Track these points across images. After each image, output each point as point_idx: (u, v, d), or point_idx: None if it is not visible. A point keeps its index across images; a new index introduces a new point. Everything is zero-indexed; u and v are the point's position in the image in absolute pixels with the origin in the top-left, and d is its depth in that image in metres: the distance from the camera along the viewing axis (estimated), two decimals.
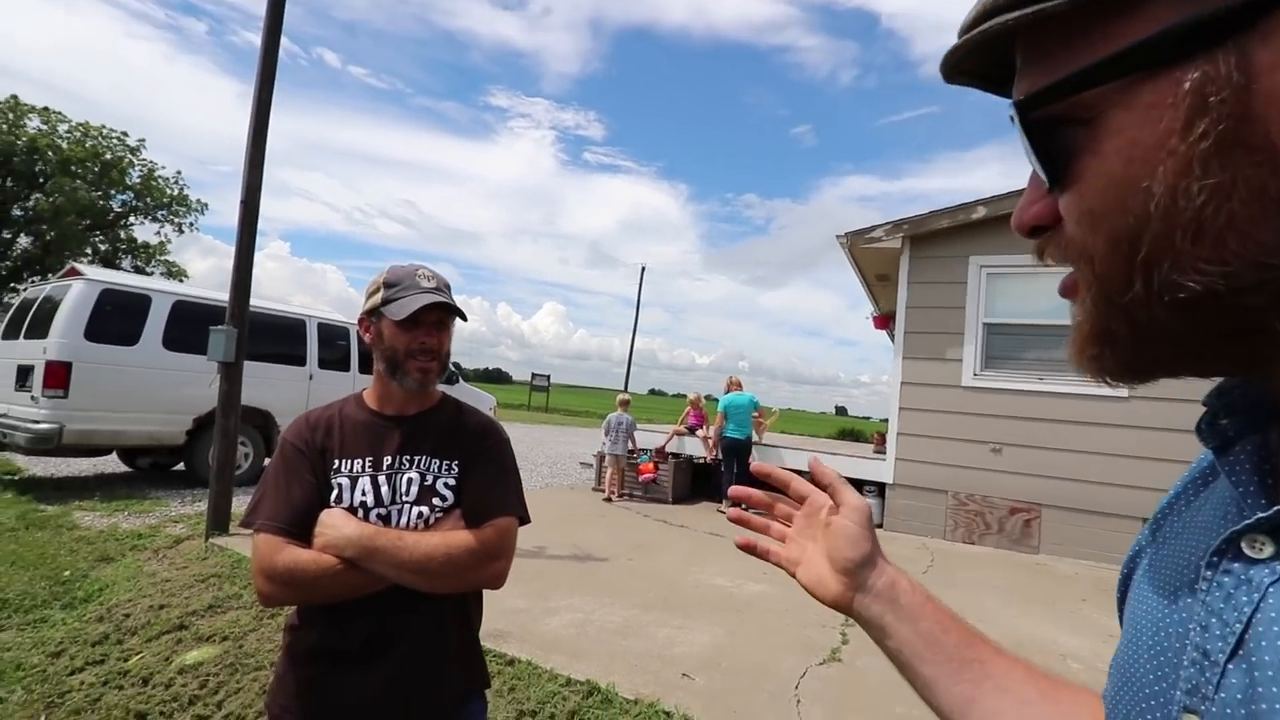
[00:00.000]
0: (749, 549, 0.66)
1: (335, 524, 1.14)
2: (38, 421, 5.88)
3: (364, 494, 1.19)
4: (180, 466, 7.23)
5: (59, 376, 5.90)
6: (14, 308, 7.24)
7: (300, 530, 1.14)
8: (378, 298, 1.26)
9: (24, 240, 27.94)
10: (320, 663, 1.18)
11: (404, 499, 1.21)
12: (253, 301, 5.22)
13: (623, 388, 27.29)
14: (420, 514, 1.20)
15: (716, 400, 8.85)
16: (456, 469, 1.25)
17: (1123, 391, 5.94)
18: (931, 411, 6.76)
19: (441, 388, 1.38)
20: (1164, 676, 0.34)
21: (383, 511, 1.19)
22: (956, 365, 6.66)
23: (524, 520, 1.27)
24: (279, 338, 7.52)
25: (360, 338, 7.40)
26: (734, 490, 0.65)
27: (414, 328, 1.22)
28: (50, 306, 6.35)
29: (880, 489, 7.10)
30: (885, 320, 9.18)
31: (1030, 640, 3.81)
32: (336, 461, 1.21)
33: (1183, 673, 0.33)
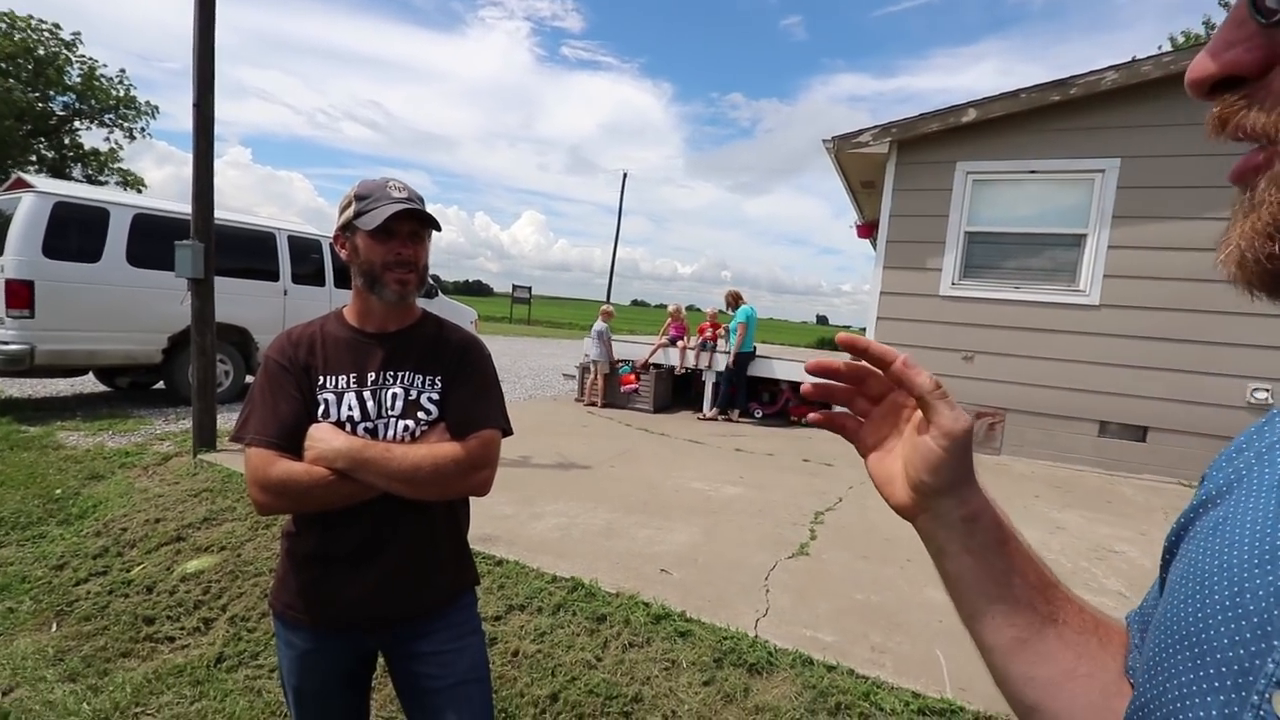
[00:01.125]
0: (823, 424, 0.58)
1: (325, 437, 1.18)
2: (7, 343, 5.76)
3: (350, 409, 1.23)
4: (160, 385, 7.21)
5: (21, 296, 5.72)
6: None
7: (290, 444, 1.18)
8: (350, 211, 1.25)
9: None
10: (317, 566, 1.26)
11: (389, 413, 1.25)
12: (219, 214, 5.01)
13: (605, 299, 27.20)
14: (406, 427, 1.25)
15: (699, 311, 8.89)
16: (439, 384, 1.29)
17: (1094, 299, 6.06)
18: (908, 320, 6.86)
19: (421, 302, 1.39)
20: (1243, 643, 0.30)
21: (369, 425, 1.23)
22: (936, 274, 6.69)
23: (506, 432, 1.33)
24: (249, 252, 7.29)
25: (335, 252, 7.22)
26: (814, 363, 0.56)
27: (389, 239, 1.22)
28: (2, 222, 6.06)
29: None
30: (869, 229, 9.10)
31: None
32: (321, 378, 1.24)
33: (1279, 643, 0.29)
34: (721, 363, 7.88)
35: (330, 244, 7.29)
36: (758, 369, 7.94)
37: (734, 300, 7.98)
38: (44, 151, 27.39)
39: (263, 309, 7.22)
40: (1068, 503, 4.98)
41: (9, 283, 5.73)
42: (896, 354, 0.52)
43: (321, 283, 8.00)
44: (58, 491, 4.19)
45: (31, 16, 25.18)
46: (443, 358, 1.31)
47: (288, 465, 1.16)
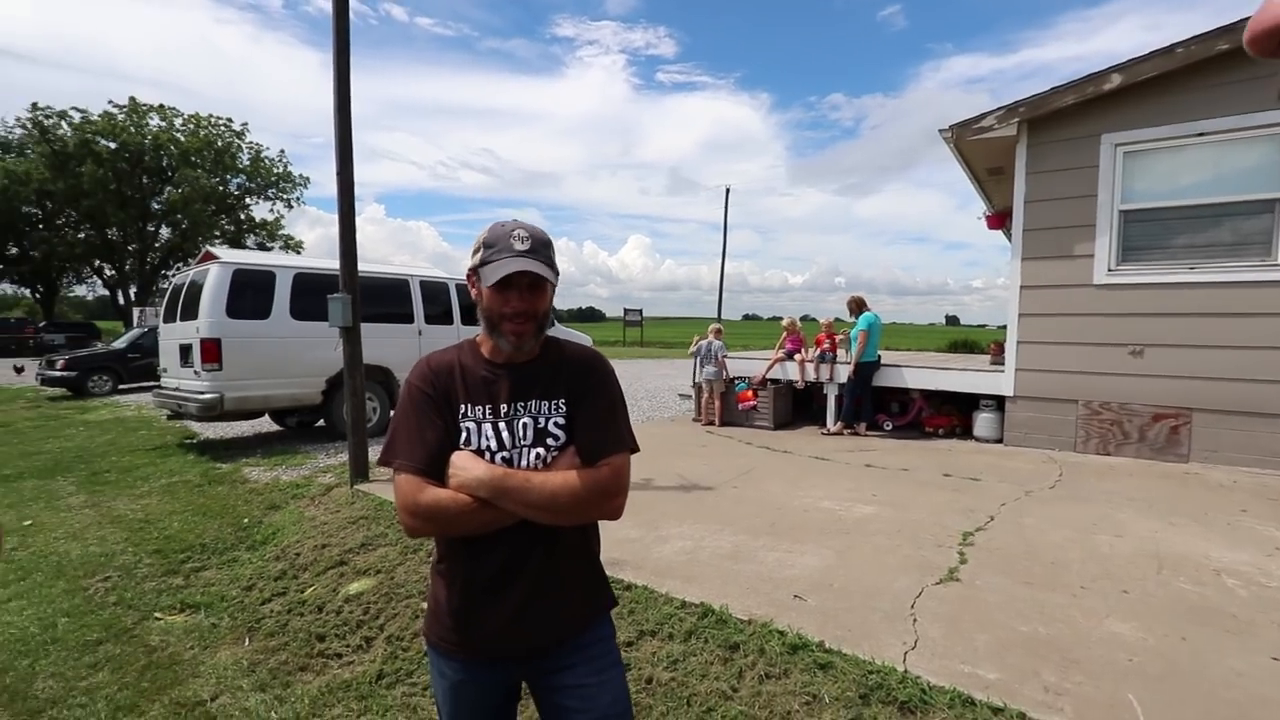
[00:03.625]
0: None
1: (467, 466, 1.23)
2: (203, 392, 6.75)
3: (488, 439, 1.28)
4: (321, 423, 8.08)
5: (212, 352, 6.68)
6: (168, 294, 8.20)
7: (435, 471, 1.24)
8: (477, 258, 1.30)
9: (165, 230, 31.26)
10: (463, 594, 1.30)
11: (522, 443, 1.29)
12: (361, 266, 5.57)
13: (715, 315, 27.01)
14: (538, 455, 1.29)
15: (814, 321, 8.58)
16: (564, 406, 1.32)
17: None
18: (1058, 315, 6.17)
19: None
20: None
21: (505, 455, 1.28)
22: (1087, 262, 5.98)
23: (634, 449, 1.34)
24: (388, 298, 8.04)
25: (459, 292, 7.65)
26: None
27: (506, 290, 1.26)
28: (196, 290, 7.12)
29: (999, 402, 6.67)
30: (1000, 219, 8.34)
31: (1176, 555, 3.53)
32: (462, 407, 1.30)
33: None
34: (843, 374, 7.50)
35: (455, 286, 7.85)
36: (884, 378, 7.48)
37: (857, 306, 7.55)
38: (225, 226, 32.09)
39: (402, 349, 7.93)
40: None
41: (203, 341, 6.70)
42: None
43: (450, 321, 8.64)
44: (245, 520, 4.78)
45: (212, 115, 29.86)
46: (565, 379, 1.34)
47: (435, 492, 1.21)
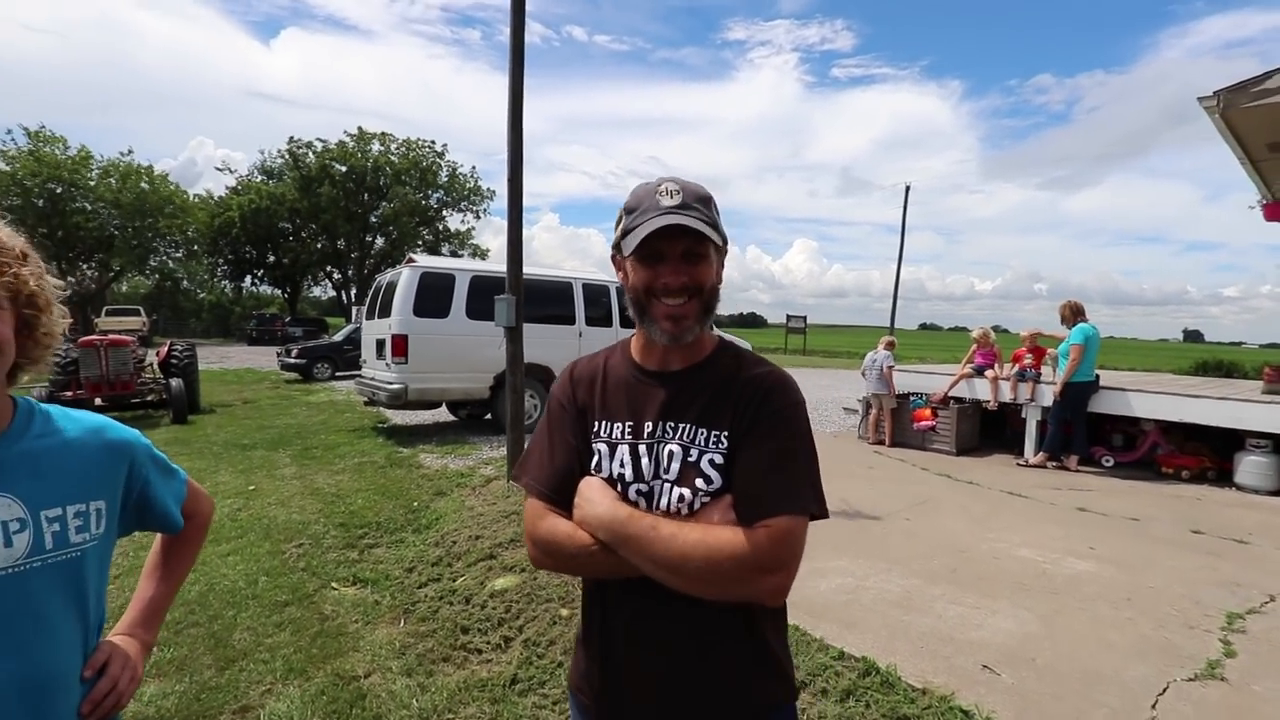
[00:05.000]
0: None
1: (592, 498, 1.00)
2: (392, 383, 7.50)
3: (622, 465, 1.03)
4: (488, 416, 8.62)
5: (400, 347, 7.40)
6: (371, 293, 9.29)
7: (561, 497, 1.04)
8: (618, 231, 1.04)
9: (380, 241, 36.35)
10: (600, 641, 1.09)
11: (665, 476, 1.01)
12: (530, 269, 5.77)
13: (887, 323, 25.08)
14: (681, 497, 0.99)
15: (1007, 333, 7.43)
16: (725, 440, 0.99)
17: None
18: None
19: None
20: None
21: (643, 488, 1.01)
22: None
23: (817, 515, 0.98)
24: (552, 300, 8.38)
25: (618, 294, 7.64)
26: None
27: (657, 261, 0.98)
28: (391, 291, 7.95)
29: (1276, 443, 5.20)
30: None
31: None
32: (596, 424, 1.07)
33: None
34: (1048, 395, 6.35)
35: (614, 289, 7.85)
36: (1103, 403, 6.21)
37: (1073, 314, 6.32)
38: (425, 236, 36.44)
39: (562, 350, 8.19)
40: None
41: (393, 337, 7.44)
42: None
43: (609, 324, 8.78)
44: (415, 504, 5.14)
45: (419, 139, 34.23)
46: (734, 404, 1.00)
47: (554, 523, 1.01)
